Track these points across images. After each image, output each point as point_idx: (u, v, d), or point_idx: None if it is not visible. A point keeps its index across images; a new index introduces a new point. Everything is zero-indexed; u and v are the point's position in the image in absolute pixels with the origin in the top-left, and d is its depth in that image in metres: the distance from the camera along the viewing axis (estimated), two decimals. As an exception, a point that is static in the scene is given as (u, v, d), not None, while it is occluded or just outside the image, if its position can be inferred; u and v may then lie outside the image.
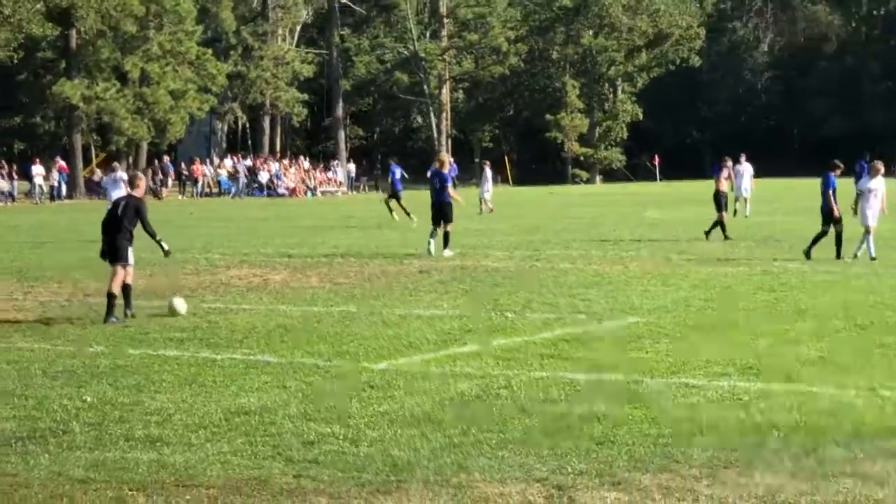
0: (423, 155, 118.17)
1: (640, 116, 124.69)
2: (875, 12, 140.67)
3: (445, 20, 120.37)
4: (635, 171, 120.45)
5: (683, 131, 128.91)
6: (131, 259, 22.80)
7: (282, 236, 43.85)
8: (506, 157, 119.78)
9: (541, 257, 33.30)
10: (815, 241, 32.22)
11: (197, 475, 11.03)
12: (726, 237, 38.34)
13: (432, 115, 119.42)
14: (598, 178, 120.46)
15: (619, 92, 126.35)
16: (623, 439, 12.17)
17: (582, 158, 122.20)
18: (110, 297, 22.27)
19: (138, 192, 23.67)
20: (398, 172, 52.33)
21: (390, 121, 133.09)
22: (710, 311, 21.59)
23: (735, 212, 48.85)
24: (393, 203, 50.22)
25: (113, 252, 22.63)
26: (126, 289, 22.69)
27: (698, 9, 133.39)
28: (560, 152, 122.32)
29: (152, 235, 23.03)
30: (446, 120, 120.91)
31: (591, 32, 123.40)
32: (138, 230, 22.56)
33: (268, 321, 21.05)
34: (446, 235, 34.82)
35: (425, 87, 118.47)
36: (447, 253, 34.18)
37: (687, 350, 17.45)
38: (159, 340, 19.34)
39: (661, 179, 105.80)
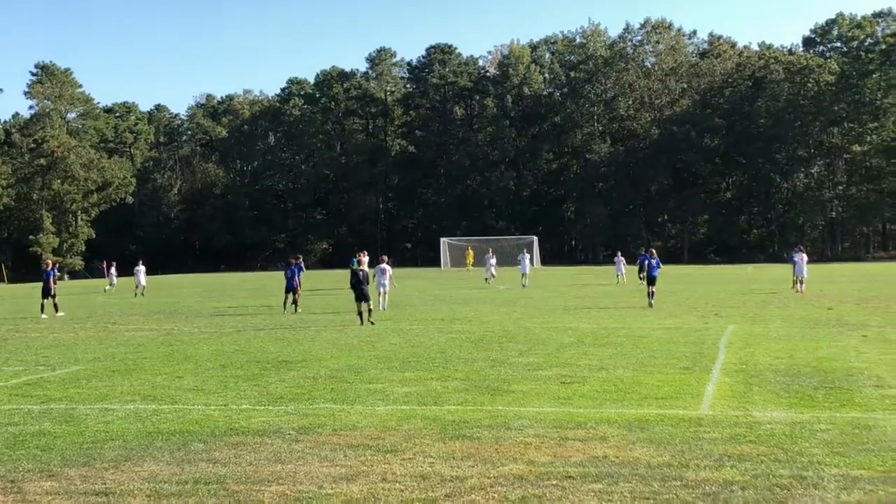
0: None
1: (94, 235, 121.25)
2: (246, 167, 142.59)
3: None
4: (92, 271, 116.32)
5: (123, 244, 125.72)
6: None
7: None
8: (2, 265, 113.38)
9: (19, 329, 31.37)
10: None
11: None
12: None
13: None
14: (66, 276, 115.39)
15: (79, 220, 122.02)
16: (59, 446, 11.70)
17: (55, 264, 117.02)
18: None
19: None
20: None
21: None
22: (127, 360, 20.97)
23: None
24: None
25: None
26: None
27: (130, 165, 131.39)
28: (40, 260, 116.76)
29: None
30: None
31: (59, 181, 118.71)
32: None
33: None
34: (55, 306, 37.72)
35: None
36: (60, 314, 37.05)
37: (109, 386, 16.95)
38: None
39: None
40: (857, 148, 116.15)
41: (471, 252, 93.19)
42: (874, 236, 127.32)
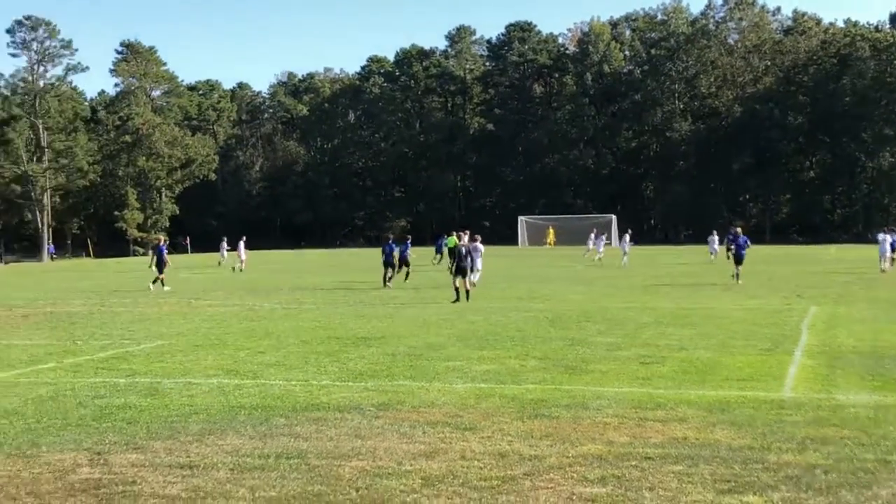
0: (34, 239, 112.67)
1: (178, 212, 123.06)
2: (326, 145, 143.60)
3: (46, 150, 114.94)
4: (174, 247, 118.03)
5: (206, 222, 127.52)
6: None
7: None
8: (88, 240, 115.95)
9: (104, 304, 32.08)
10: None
11: None
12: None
13: (38, 213, 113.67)
14: (150, 252, 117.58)
15: (163, 196, 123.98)
16: (144, 419, 11.92)
17: (139, 240, 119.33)
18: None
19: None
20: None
21: (8, 216, 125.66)
22: (210, 335, 21.32)
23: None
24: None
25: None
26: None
27: (213, 142, 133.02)
28: (125, 236, 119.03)
29: None
30: (48, 216, 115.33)
31: (144, 158, 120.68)
32: None
33: None
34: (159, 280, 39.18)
35: (33, 194, 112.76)
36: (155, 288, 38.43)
37: (193, 360, 17.24)
38: None
39: (191, 252, 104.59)
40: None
41: (552, 230, 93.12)
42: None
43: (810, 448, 9.90)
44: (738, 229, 40.64)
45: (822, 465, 9.21)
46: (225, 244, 65.30)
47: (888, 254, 44.21)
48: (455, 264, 30.76)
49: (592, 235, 66.65)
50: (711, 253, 58.03)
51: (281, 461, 9.72)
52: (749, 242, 38.95)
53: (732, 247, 38.87)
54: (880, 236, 45.76)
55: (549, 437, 10.58)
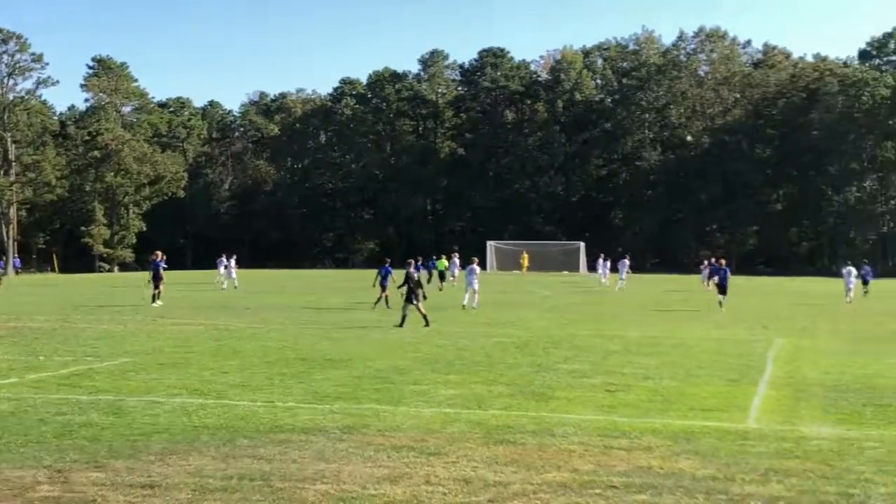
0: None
1: (145, 228, 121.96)
2: (297, 165, 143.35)
3: (13, 163, 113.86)
4: (142, 264, 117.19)
5: (174, 239, 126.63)
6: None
7: None
8: (53, 254, 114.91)
9: (68, 320, 31.79)
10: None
11: None
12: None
13: (3, 226, 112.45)
14: (116, 268, 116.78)
15: (131, 213, 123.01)
16: (106, 437, 11.84)
17: (105, 256, 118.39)
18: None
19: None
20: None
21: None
22: (175, 354, 21.14)
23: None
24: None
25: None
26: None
27: (183, 159, 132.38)
28: (91, 252, 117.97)
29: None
30: (13, 230, 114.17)
31: (112, 174, 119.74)
32: None
33: None
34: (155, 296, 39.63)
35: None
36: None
37: (157, 379, 17.11)
38: None
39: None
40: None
41: (526, 256, 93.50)
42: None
43: (773, 479, 9.94)
44: (722, 261, 43.23)
45: (785, 497, 9.26)
46: (224, 261, 62.44)
47: (853, 286, 45.10)
48: (407, 290, 30.25)
49: (600, 261, 70.00)
50: (703, 281, 59.39)
51: (244, 483, 9.66)
52: (729, 272, 40.91)
53: (716, 277, 41.91)
54: (845, 270, 46.76)
55: (514, 463, 10.57)
